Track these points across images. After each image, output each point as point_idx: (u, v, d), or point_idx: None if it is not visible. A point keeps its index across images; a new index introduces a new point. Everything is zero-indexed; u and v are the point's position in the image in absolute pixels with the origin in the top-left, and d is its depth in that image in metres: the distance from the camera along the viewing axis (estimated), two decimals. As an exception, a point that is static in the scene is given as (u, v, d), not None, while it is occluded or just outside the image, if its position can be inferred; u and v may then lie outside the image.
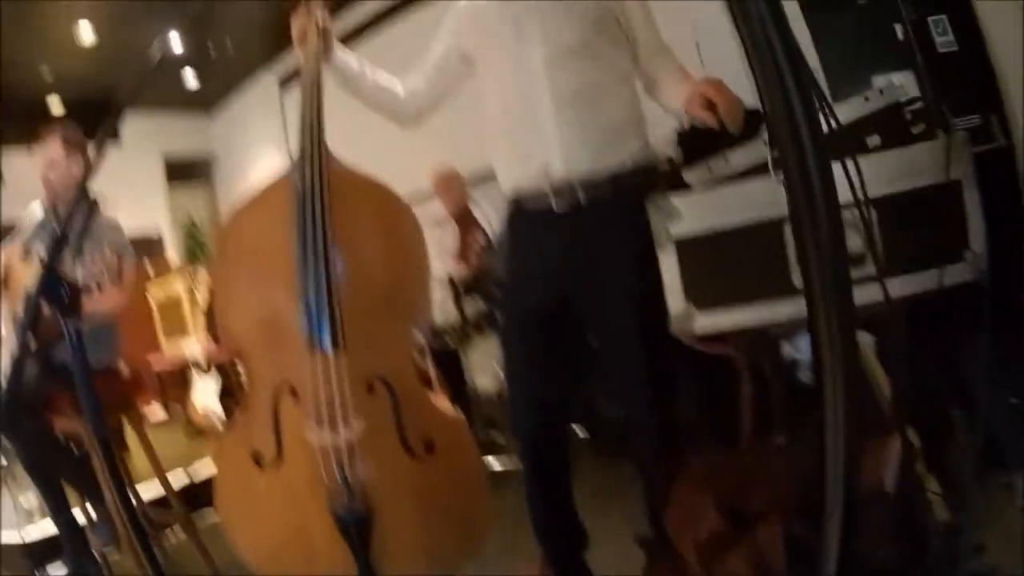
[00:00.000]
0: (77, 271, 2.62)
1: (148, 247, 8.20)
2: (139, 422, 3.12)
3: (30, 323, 1.66)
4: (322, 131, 1.84)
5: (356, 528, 1.76)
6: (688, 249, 1.83)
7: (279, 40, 6.80)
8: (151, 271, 7.11)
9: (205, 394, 6.19)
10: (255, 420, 1.86)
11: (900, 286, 1.59)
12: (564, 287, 2.09)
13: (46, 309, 1.40)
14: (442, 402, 1.91)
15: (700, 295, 1.82)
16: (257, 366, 1.89)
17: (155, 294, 6.99)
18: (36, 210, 3.13)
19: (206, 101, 9.33)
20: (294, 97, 6.44)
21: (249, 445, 1.85)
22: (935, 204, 1.68)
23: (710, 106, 1.85)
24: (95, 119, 6.24)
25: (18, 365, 1.83)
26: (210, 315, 6.12)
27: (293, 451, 1.82)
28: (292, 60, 6.93)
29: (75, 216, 2.66)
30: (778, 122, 0.80)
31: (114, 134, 7.89)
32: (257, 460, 1.85)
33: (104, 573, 3.01)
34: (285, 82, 7.52)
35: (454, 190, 4.95)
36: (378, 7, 6.63)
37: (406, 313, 1.87)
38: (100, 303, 2.70)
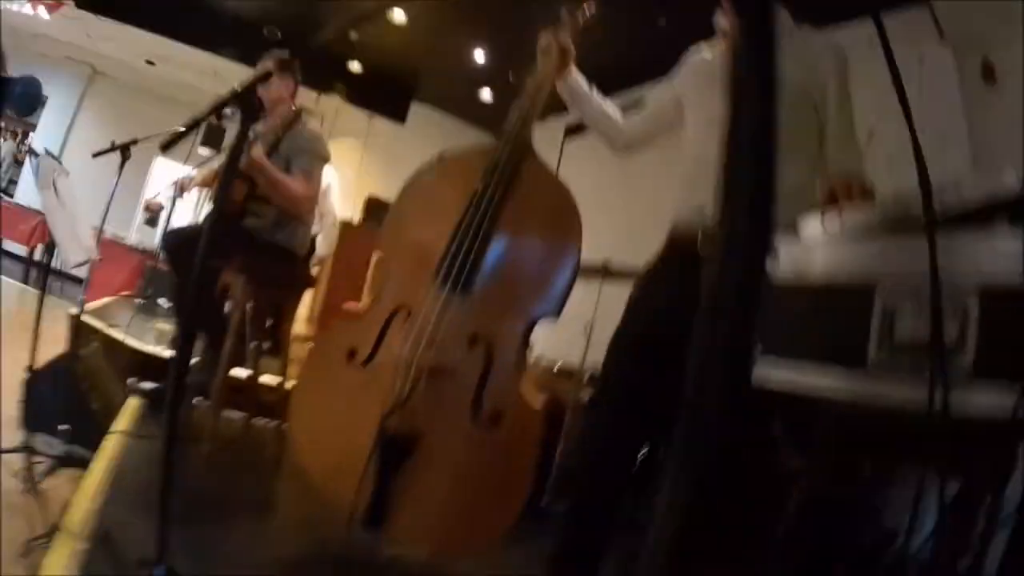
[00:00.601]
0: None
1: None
2: (291, 314, 3.47)
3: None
4: (532, 124, 2.15)
5: (395, 450, 1.93)
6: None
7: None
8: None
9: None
10: (366, 325, 2.11)
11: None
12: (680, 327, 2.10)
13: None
14: (529, 390, 2.03)
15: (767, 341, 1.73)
16: (392, 284, 2.16)
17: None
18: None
19: (494, 121, 9.93)
20: (575, 146, 6.77)
21: (350, 341, 2.10)
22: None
23: (834, 201, 1.88)
24: (385, 90, 6.95)
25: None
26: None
27: (382, 361, 2.04)
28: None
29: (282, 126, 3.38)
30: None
31: (402, 118, 8.76)
32: (351, 355, 2.09)
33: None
34: (570, 132, 7.71)
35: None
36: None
37: (534, 300, 2.03)
38: (289, 187, 3.22)
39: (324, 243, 5.59)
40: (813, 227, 2.04)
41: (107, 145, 3.28)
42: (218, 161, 3.42)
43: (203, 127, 3.19)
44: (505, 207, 2.03)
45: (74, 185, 3.28)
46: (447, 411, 1.95)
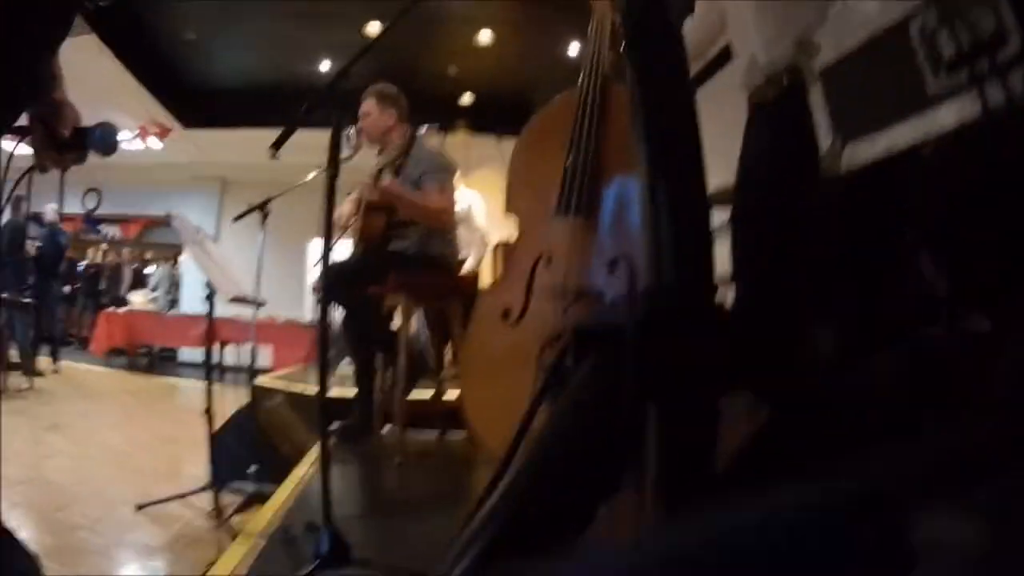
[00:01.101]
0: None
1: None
2: (455, 317, 3.49)
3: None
4: (603, 58, 2.24)
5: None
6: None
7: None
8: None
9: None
10: (513, 283, 2.21)
11: None
12: None
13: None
14: None
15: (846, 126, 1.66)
16: (527, 238, 2.27)
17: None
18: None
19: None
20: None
21: (502, 302, 2.22)
22: None
23: None
24: (503, 110, 7.11)
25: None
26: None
27: (534, 309, 2.13)
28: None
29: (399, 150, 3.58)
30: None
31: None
32: (506, 314, 2.20)
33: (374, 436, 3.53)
34: None
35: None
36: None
37: None
38: (426, 203, 3.38)
39: (474, 259, 5.74)
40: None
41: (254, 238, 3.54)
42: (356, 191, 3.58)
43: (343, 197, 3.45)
44: (604, 132, 2.12)
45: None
46: None
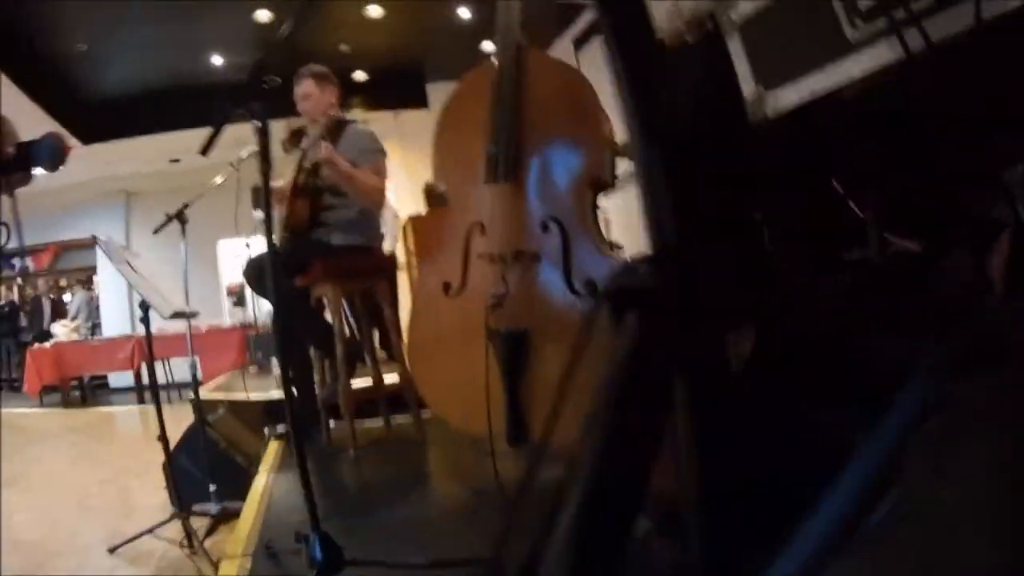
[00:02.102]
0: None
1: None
2: (385, 297, 3.49)
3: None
4: (517, 24, 2.20)
5: (511, 352, 1.99)
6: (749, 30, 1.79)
7: (571, 13, 7.22)
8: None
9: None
10: (448, 257, 2.20)
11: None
12: None
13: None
14: (609, 251, 2.06)
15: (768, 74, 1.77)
16: (456, 211, 2.25)
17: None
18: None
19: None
20: (588, 55, 6.80)
21: (441, 277, 2.21)
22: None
23: None
24: (397, 85, 7.03)
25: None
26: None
27: (474, 278, 2.13)
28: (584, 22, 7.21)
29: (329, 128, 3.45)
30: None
31: (424, 103, 8.83)
32: (446, 289, 2.19)
33: (324, 432, 3.50)
34: (579, 43, 7.68)
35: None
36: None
37: (580, 166, 2.07)
38: (365, 180, 3.32)
39: (388, 238, 5.65)
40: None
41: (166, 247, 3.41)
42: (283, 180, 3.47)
43: (253, 193, 3.35)
44: (523, 98, 2.11)
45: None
46: (544, 293, 2.01)
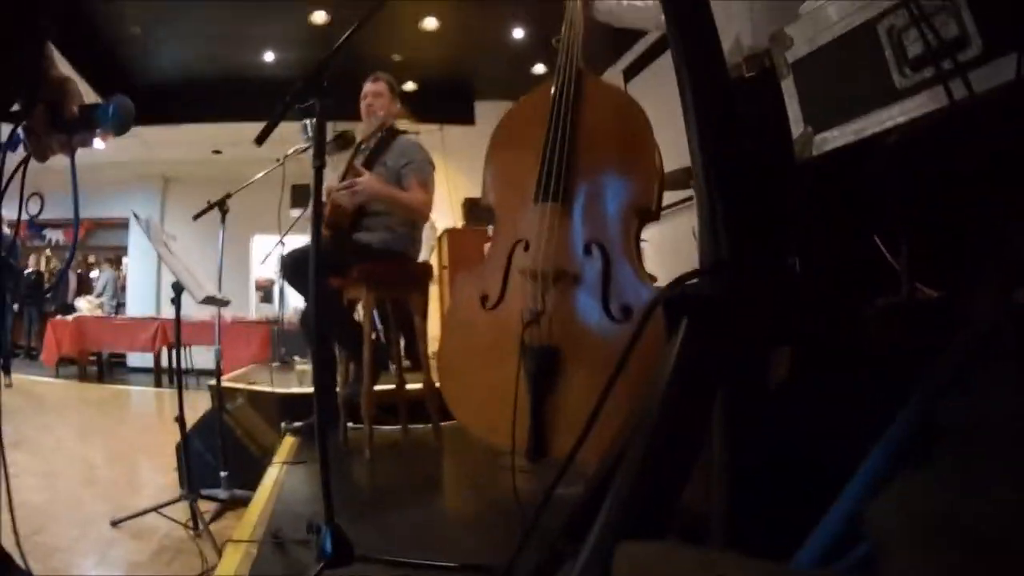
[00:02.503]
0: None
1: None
2: (417, 306, 3.51)
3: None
4: (578, 48, 2.29)
5: (542, 369, 2.01)
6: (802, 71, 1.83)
7: (622, 44, 7.29)
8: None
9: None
10: (490, 269, 2.24)
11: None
12: None
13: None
14: (648, 280, 2.07)
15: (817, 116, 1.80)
16: (503, 225, 2.30)
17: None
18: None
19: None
20: (636, 87, 6.83)
21: (479, 288, 2.25)
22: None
23: None
24: (445, 99, 7.11)
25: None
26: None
27: (512, 295, 2.16)
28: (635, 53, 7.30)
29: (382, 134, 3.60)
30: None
31: (470, 119, 8.93)
32: (483, 301, 2.23)
33: (341, 432, 3.51)
34: (629, 74, 7.68)
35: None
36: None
37: (629, 194, 2.09)
38: (411, 199, 3.41)
39: (424, 248, 5.69)
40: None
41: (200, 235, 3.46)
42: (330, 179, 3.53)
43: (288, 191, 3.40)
44: (578, 122, 2.16)
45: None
46: (580, 314, 2.03)
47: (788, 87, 1.91)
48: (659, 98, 2.23)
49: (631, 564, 0.73)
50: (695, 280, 1.13)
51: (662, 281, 1.95)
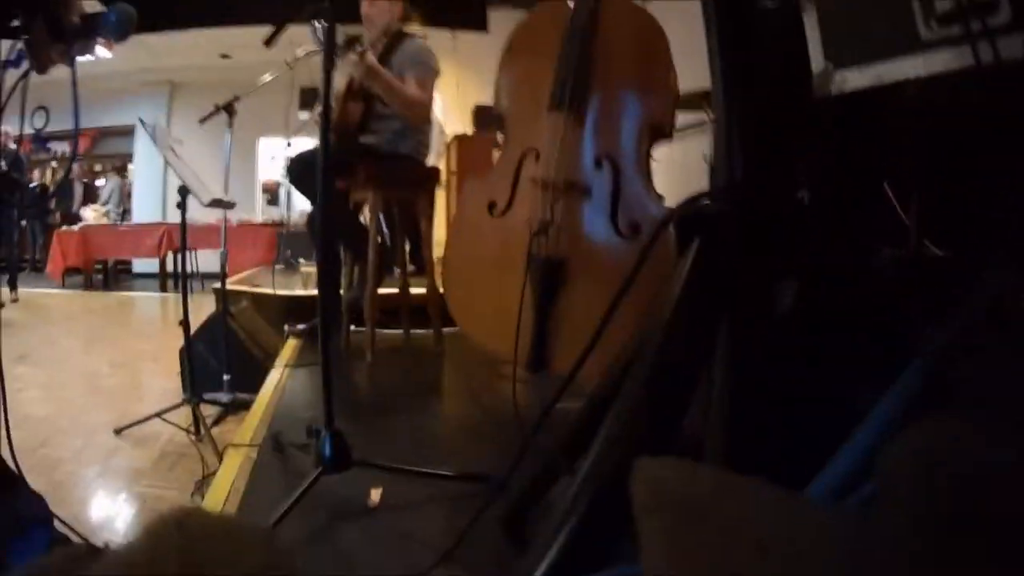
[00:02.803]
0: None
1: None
2: (424, 210, 3.46)
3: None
4: None
5: (547, 280, 2.00)
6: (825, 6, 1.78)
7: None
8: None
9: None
10: (499, 176, 2.21)
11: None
12: None
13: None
14: (657, 198, 2.06)
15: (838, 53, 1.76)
16: (514, 133, 2.25)
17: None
18: None
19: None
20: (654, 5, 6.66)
21: (487, 195, 2.23)
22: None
23: None
24: (459, 5, 6.89)
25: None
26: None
27: (520, 203, 2.14)
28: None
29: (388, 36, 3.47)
30: None
31: (484, 26, 8.73)
32: (490, 208, 2.21)
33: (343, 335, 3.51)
34: None
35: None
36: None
37: (644, 111, 2.05)
38: (405, 91, 3.26)
39: (433, 153, 5.63)
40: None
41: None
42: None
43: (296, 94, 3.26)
44: (597, 31, 2.08)
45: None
46: (588, 227, 2.02)
47: (810, 20, 1.85)
48: (675, 17, 2.16)
49: (648, 480, 0.72)
50: (708, 201, 1.10)
51: (670, 203, 1.93)
